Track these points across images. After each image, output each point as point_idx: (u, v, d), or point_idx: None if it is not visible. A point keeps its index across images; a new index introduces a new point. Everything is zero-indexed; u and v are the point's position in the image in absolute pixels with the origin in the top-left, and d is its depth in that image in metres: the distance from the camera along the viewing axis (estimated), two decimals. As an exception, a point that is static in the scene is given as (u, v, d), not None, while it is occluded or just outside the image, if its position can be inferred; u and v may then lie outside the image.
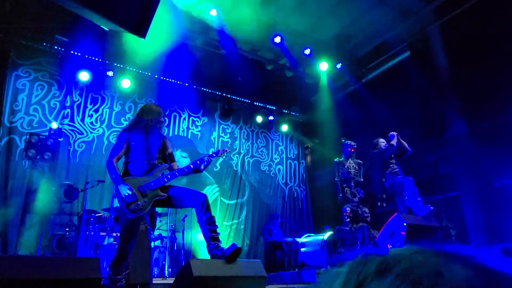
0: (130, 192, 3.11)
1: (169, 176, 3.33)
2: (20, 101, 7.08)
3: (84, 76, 7.49)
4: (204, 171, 8.75)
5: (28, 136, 6.61)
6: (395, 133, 5.62)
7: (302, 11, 7.72)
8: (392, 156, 5.65)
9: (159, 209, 7.48)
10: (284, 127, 10.15)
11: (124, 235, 3.22)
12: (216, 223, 3.27)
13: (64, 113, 7.44)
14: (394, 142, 5.56)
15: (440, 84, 7.31)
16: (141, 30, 2.19)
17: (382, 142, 5.76)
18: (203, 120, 9.25)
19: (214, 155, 3.61)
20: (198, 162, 3.44)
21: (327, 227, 7.46)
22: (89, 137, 7.60)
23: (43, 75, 7.41)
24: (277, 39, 7.73)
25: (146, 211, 3.22)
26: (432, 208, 4.94)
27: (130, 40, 7.10)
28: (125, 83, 7.93)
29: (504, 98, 6.12)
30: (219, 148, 3.77)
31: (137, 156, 3.32)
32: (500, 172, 6.34)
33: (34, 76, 7.29)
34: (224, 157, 3.74)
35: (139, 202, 3.17)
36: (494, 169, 6.40)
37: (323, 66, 8.42)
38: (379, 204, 5.38)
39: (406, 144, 5.61)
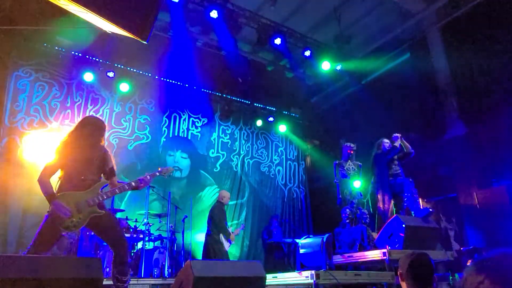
0: (65, 210, 2.96)
1: (108, 194, 3.20)
2: (21, 101, 7.09)
3: (88, 76, 7.52)
4: (203, 172, 8.80)
5: (29, 136, 6.62)
6: (398, 135, 5.62)
7: (302, 13, 7.76)
8: (395, 157, 5.66)
9: (159, 210, 7.53)
10: (284, 128, 10.15)
11: (41, 239, 3.02)
12: (126, 275, 3.13)
13: (64, 113, 7.46)
14: (397, 143, 5.57)
15: (439, 86, 7.34)
16: (143, 34, 2.21)
17: (386, 142, 5.75)
18: (203, 121, 9.27)
19: (157, 173, 3.54)
20: (138, 181, 3.35)
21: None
22: (90, 137, 7.60)
23: (43, 75, 7.42)
24: (278, 41, 7.76)
25: (80, 227, 3.11)
26: (431, 210, 4.97)
27: (131, 41, 7.12)
28: (124, 87, 7.96)
29: (502, 100, 6.16)
30: (165, 167, 3.70)
31: (74, 171, 3.12)
32: (498, 174, 6.36)
33: (34, 76, 7.31)
34: (166, 176, 3.71)
35: (74, 219, 3.01)
36: (492, 171, 6.43)
37: (326, 66, 8.38)
38: (380, 205, 5.38)
39: (409, 146, 5.61)
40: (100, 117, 3.65)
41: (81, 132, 3.25)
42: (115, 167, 3.43)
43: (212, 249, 5.84)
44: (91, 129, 3.27)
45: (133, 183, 3.34)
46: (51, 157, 3.20)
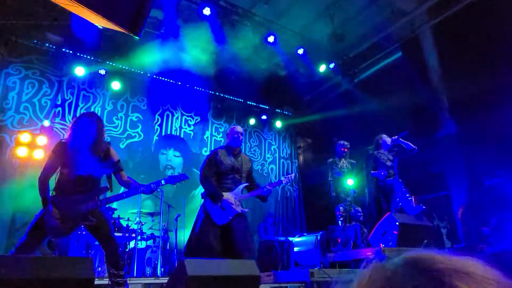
0: (54, 220, 2.90)
1: (104, 202, 3.11)
2: (11, 99, 6.99)
3: (80, 71, 7.42)
4: (196, 170, 8.75)
5: (19, 135, 6.53)
6: (395, 137, 5.61)
7: (296, 11, 7.74)
8: (389, 158, 5.65)
9: (151, 209, 7.47)
10: (278, 124, 10.22)
11: (33, 230, 2.97)
12: (122, 269, 3.13)
13: (55, 111, 7.37)
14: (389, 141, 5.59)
15: (431, 84, 7.38)
16: (135, 29, 2.17)
17: (386, 138, 5.71)
18: (196, 119, 9.23)
19: (163, 182, 3.37)
20: (141, 189, 3.25)
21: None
22: (81, 135, 7.52)
23: (34, 72, 7.32)
24: (271, 39, 7.74)
25: (68, 234, 3.09)
26: (424, 207, 5.00)
27: (122, 38, 7.06)
28: (115, 85, 7.90)
29: (494, 98, 6.20)
30: (176, 174, 3.52)
31: (74, 170, 3.02)
32: (489, 172, 6.42)
33: (24, 73, 7.21)
34: (176, 186, 3.57)
35: (61, 228, 2.94)
36: (484, 169, 6.49)
37: (322, 68, 8.57)
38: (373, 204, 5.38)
39: (405, 146, 5.57)
40: (96, 113, 3.38)
41: (81, 130, 3.12)
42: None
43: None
44: (91, 127, 3.12)
45: (130, 192, 3.25)
46: (51, 155, 3.12)
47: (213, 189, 3.79)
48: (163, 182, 3.35)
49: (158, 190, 3.51)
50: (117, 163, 3.29)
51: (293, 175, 4.60)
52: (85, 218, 3.04)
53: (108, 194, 3.25)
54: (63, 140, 3.18)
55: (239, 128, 4.18)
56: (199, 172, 4.01)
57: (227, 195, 3.78)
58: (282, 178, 4.28)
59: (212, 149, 4.14)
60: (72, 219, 3.00)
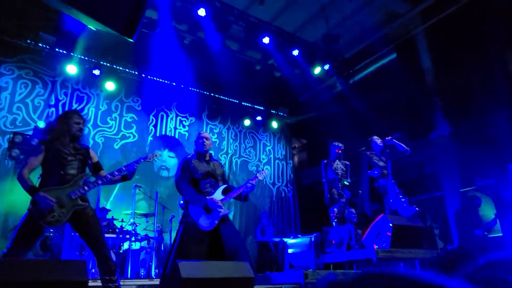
0: (49, 201, 2.90)
1: (91, 186, 3.17)
2: (3, 99, 6.93)
3: (72, 69, 7.36)
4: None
5: (11, 136, 6.48)
6: (388, 138, 5.61)
7: (291, 12, 7.76)
8: (382, 159, 5.66)
9: (145, 210, 7.43)
10: (273, 124, 10.26)
11: (21, 237, 2.92)
12: (114, 273, 3.10)
13: (48, 112, 7.31)
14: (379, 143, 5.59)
15: (425, 86, 7.43)
16: (130, 31, 2.15)
17: (377, 139, 5.71)
18: (191, 120, 9.21)
19: (141, 160, 3.49)
20: (123, 169, 3.32)
21: None
22: (75, 136, 7.47)
23: (27, 72, 7.26)
24: (266, 40, 7.75)
25: (63, 222, 3.07)
26: (417, 209, 5.02)
27: (117, 39, 7.01)
28: (110, 86, 7.87)
29: (486, 100, 6.26)
30: (148, 154, 3.65)
31: (54, 168, 3.11)
32: (481, 173, 6.47)
33: (17, 74, 7.15)
34: (153, 161, 3.65)
35: (55, 213, 2.96)
36: (476, 170, 6.54)
37: (317, 70, 8.64)
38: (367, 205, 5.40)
39: (398, 147, 5.58)
40: (78, 111, 3.53)
41: (60, 127, 3.25)
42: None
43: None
44: (70, 124, 3.26)
45: (116, 172, 3.31)
46: (32, 153, 3.19)
47: (194, 193, 3.71)
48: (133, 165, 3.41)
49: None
50: (95, 163, 3.40)
51: (267, 170, 4.43)
52: (75, 203, 3.08)
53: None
54: (45, 139, 3.26)
55: (204, 134, 4.15)
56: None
57: (210, 197, 3.72)
58: (257, 174, 4.13)
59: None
60: (63, 206, 3.03)
